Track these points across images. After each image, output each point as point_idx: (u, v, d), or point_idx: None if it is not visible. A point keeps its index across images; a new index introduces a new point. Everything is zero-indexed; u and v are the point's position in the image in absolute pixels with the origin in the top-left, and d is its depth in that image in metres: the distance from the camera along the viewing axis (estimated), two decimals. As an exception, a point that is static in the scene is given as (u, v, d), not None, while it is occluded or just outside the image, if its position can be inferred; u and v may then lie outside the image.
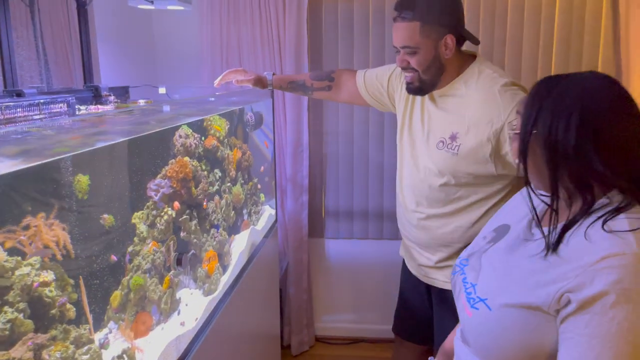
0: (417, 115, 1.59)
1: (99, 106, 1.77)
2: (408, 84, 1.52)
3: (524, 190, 0.98)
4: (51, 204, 0.99)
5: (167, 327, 1.28)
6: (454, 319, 1.04)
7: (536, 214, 0.91)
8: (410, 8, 1.40)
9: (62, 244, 1.01)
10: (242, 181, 1.93)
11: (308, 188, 2.67)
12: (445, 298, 1.60)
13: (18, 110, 1.39)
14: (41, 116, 1.48)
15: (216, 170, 1.68)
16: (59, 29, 1.95)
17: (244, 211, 1.95)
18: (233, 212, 1.80)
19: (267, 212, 2.26)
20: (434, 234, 1.58)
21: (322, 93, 1.85)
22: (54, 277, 0.95)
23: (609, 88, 0.84)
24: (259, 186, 2.14)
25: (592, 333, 0.74)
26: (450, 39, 1.42)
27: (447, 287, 1.58)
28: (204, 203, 1.56)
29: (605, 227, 0.79)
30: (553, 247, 0.83)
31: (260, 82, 1.85)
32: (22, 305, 0.86)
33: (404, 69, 1.49)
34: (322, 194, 2.79)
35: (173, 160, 1.40)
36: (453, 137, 1.47)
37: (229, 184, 1.78)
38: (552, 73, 1.95)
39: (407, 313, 1.82)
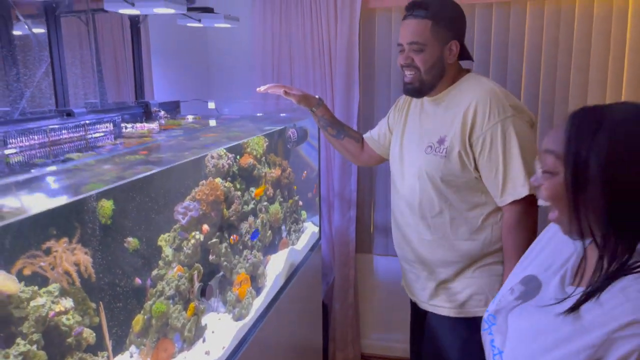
0: (411, 126, 1.65)
1: (145, 124, 1.82)
2: (407, 84, 1.55)
3: (550, 229, 0.89)
4: (74, 228, 1.01)
5: (190, 355, 1.27)
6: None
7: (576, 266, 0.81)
8: (424, 7, 1.47)
9: (84, 268, 1.03)
10: (282, 199, 1.91)
11: (357, 203, 2.61)
12: (441, 325, 1.62)
13: (63, 132, 1.46)
14: (87, 137, 1.55)
15: (252, 189, 1.67)
16: (114, 46, 2.03)
17: (283, 229, 1.93)
18: (270, 231, 1.78)
19: (310, 230, 2.23)
20: (432, 251, 1.59)
21: (351, 142, 1.88)
22: (72, 305, 0.97)
23: None
24: (300, 203, 2.11)
25: None
26: (455, 45, 1.50)
27: (445, 313, 1.60)
28: (236, 224, 1.55)
29: (635, 284, 0.71)
30: (577, 306, 0.75)
31: (305, 100, 1.81)
32: (36, 337, 0.88)
33: (406, 66, 1.52)
34: (371, 209, 2.72)
35: (204, 181, 1.41)
36: (441, 141, 1.52)
37: (265, 203, 1.76)
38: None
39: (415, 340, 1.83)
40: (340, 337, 2.74)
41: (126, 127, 1.74)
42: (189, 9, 1.81)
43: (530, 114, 1.53)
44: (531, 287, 0.89)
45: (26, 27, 1.63)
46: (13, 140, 1.30)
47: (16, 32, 1.53)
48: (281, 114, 2.37)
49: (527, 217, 1.46)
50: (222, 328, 1.43)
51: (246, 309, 1.56)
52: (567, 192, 0.77)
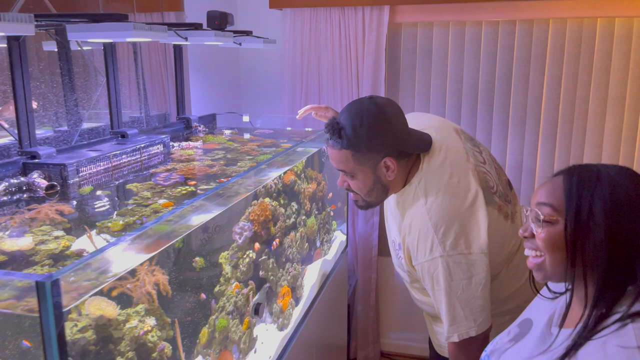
0: (387, 203, 1.52)
1: (190, 143, 1.94)
2: (354, 201, 1.41)
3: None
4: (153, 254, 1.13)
5: (247, 362, 1.41)
6: None
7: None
8: (338, 135, 1.27)
9: (162, 287, 1.16)
10: (316, 212, 2.02)
11: (379, 209, 2.73)
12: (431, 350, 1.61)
13: (123, 157, 1.58)
14: (142, 159, 1.66)
15: (293, 203, 1.79)
16: (157, 66, 2.14)
17: (317, 241, 2.06)
18: (307, 244, 1.90)
19: (338, 240, 2.35)
20: (424, 308, 1.54)
21: None
22: (155, 323, 1.10)
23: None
24: (331, 214, 2.23)
25: None
26: (390, 161, 1.28)
27: (433, 344, 1.58)
28: (281, 239, 1.67)
29: (613, 338, 0.76)
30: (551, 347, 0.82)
31: None
32: (130, 354, 1.01)
33: (347, 189, 1.38)
34: (393, 215, 2.84)
35: (255, 201, 1.52)
36: (399, 246, 1.39)
37: (303, 217, 1.88)
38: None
39: None
40: (362, 336, 2.88)
41: (173, 146, 1.86)
42: (229, 31, 1.92)
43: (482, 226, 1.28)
44: (524, 328, 0.97)
45: (85, 57, 1.74)
46: (84, 169, 1.42)
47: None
48: (306, 129, 2.47)
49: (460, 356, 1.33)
50: (269, 338, 1.56)
51: (287, 319, 1.69)
52: (567, 239, 0.83)
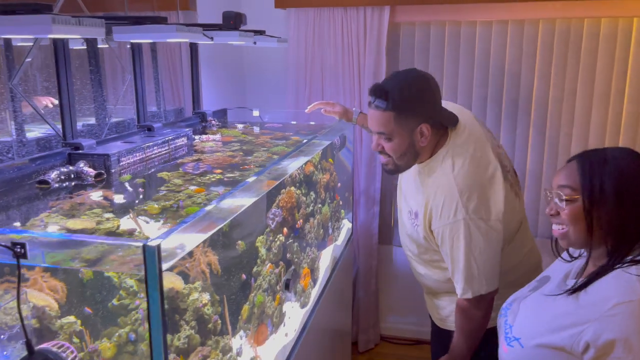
0: (405, 177, 1.64)
1: (210, 135, 2.04)
2: (383, 165, 1.52)
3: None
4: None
5: (277, 337, 1.53)
6: None
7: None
8: (384, 97, 1.38)
9: (214, 267, 1.27)
10: (329, 200, 2.15)
11: (380, 198, 2.87)
12: (433, 326, 1.77)
13: (154, 148, 1.68)
14: (169, 151, 1.76)
15: (311, 192, 1.91)
16: (172, 63, 2.23)
17: (329, 227, 2.18)
18: (322, 230, 2.03)
19: (346, 227, 2.48)
20: (427, 283, 1.68)
21: None
22: (209, 298, 1.21)
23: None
24: (340, 203, 2.36)
25: None
26: (425, 128, 1.41)
27: (434, 319, 1.73)
28: (303, 225, 1.79)
29: (621, 273, 0.96)
30: (575, 291, 1.01)
31: (345, 115, 2.05)
32: (193, 324, 1.12)
33: (379, 152, 1.49)
34: (392, 204, 2.98)
35: (284, 190, 1.64)
36: (416, 215, 1.52)
37: (319, 205, 2.01)
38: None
39: None
40: (363, 320, 3.02)
41: (194, 139, 1.96)
42: (247, 30, 2.02)
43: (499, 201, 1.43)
44: (542, 282, 1.17)
45: (116, 57, 1.82)
46: (123, 159, 1.52)
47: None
48: (311, 122, 2.59)
49: (470, 317, 1.48)
50: (294, 314, 1.69)
51: (307, 298, 1.82)
52: (585, 212, 1.01)
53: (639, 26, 2.46)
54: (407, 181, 1.61)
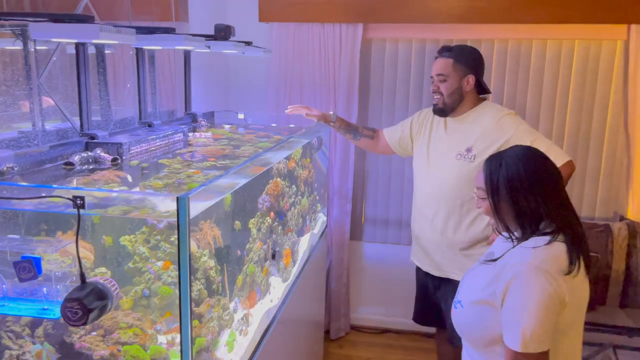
0: (436, 138, 2.13)
1: (202, 133, 2.27)
2: (434, 105, 2.09)
3: None
4: (212, 212, 1.48)
5: (264, 302, 1.77)
6: None
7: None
8: (449, 49, 2.04)
9: (218, 240, 1.50)
10: (307, 194, 2.41)
11: (353, 197, 3.14)
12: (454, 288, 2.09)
13: (157, 141, 1.91)
14: (168, 144, 1.99)
15: (293, 186, 2.17)
16: (166, 69, 2.46)
17: (308, 218, 2.44)
18: (301, 219, 2.28)
19: (321, 219, 2.74)
20: (451, 238, 2.05)
21: (366, 140, 2.41)
22: (214, 264, 1.45)
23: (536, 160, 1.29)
24: (317, 197, 2.62)
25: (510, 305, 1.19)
26: (471, 78, 2.03)
27: (457, 278, 2.00)
28: (286, 213, 2.04)
29: (522, 246, 1.25)
30: (494, 260, 1.29)
31: (323, 118, 2.32)
32: (203, 281, 1.35)
33: (434, 92, 2.06)
34: (363, 203, 3.27)
35: (271, 180, 1.89)
36: (469, 150, 2.02)
37: (299, 197, 2.26)
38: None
39: (423, 304, 2.32)
40: (334, 310, 3.27)
41: (189, 135, 2.19)
42: (237, 41, 2.27)
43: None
44: (488, 257, 1.41)
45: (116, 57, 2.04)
46: (133, 148, 1.74)
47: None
48: (290, 125, 2.86)
49: None
50: (277, 285, 1.94)
51: (289, 274, 2.07)
52: (492, 207, 1.29)
53: (580, 48, 2.84)
54: (446, 140, 2.10)
